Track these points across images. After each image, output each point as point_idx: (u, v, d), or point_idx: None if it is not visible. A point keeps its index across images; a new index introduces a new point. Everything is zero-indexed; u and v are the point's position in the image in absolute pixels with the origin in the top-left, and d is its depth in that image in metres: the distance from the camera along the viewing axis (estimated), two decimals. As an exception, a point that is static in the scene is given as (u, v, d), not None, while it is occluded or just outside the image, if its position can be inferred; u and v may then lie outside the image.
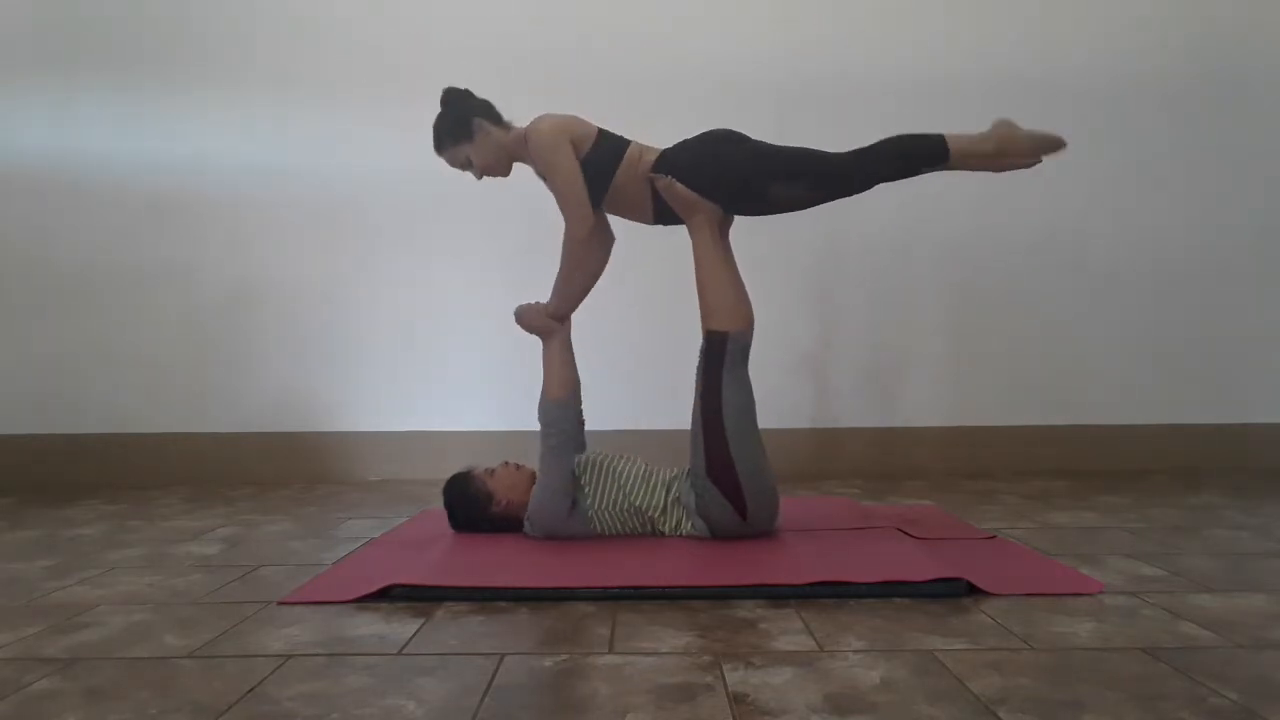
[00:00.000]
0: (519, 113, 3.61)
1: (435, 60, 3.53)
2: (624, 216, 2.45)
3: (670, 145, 2.38)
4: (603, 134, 2.36)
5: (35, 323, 3.57)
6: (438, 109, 2.43)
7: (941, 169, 2.23)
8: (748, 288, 2.34)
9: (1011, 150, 2.20)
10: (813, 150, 2.29)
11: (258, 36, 3.54)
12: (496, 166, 2.44)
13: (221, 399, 3.56)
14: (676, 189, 2.28)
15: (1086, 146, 3.51)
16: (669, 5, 3.55)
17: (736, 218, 2.42)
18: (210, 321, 3.57)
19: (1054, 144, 2.23)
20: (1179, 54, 3.55)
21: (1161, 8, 3.55)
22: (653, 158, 2.35)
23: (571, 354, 2.47)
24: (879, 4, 3.54)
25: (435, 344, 3.53)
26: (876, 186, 2.31)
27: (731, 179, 2.29)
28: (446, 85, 2.43)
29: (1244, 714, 1.24)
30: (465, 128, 2.39)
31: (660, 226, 2.46)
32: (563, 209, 2.33)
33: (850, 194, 2.31)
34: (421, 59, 3.53)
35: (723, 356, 2.23)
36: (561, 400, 2.37)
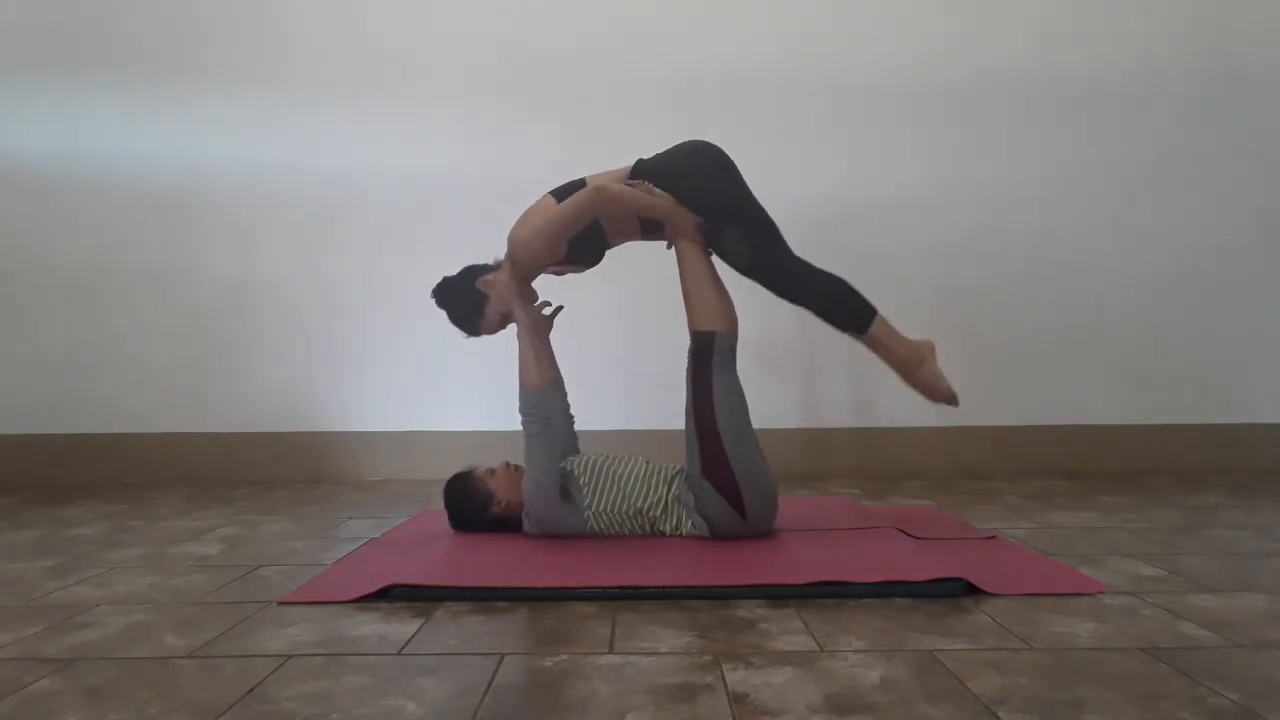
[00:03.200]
0: (519, 112, 3.63)
1: (435, 60, 3.54)
2: (623, 240, 2.47)
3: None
4: (556, 195, 2.38)
5: (35, 323, 3.57)
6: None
7: (855, 336, 2.30)
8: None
9: (911, 375, 2.30)
10: (777, 230, 2.32)
11: (258, 36, 3.54)
12: (524, 296, 2.45)
13: (221, 399, 3.56)
14: (654, 194, 2.32)
15: (1086, 146, 3.53)
16: (668, 5, 3.54)
17: None
18: (210, 321, 3.57)
19: (946, 397, 2.30)
20: (1179, 55, 3.55)
21: (1161, 7, 3.55)
22: (618, 173, 2.39)
23: (549, 352, 2.49)
24: (879, 4, 3.54)
25: (435, 344, 3.52)
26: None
27: (701, 193, 2.31)
28: (429, 292, 2.46)
29: (1244, 714, 1.24)
30: (474, 297, 2.43)
31: None
32: (571, 213, 2.30)
33: (776, 290, 2.30)
34: (421, 59, 3.53)
35: (711, 356, 2.24)
36: (536, 389, 2.39)
